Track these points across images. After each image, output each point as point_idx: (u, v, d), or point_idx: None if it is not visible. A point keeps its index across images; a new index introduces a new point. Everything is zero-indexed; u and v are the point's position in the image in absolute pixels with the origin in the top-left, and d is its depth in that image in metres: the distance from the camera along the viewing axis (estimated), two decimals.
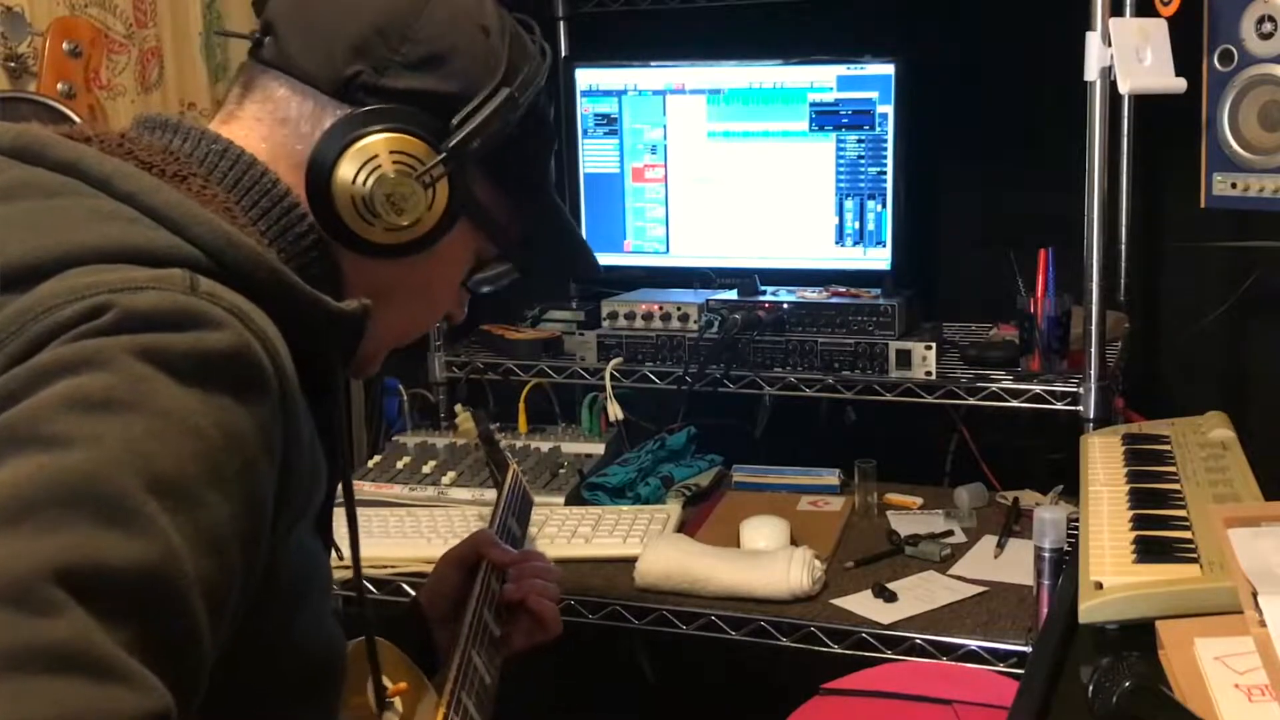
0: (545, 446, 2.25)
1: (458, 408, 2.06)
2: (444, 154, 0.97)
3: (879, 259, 2.23)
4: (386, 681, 1.11)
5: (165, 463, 0.71)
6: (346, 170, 0.95)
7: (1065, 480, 2.03)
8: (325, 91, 0.96)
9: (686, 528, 2.02)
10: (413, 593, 1.42)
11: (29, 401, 0.71)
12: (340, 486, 0.98)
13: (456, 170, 0.98)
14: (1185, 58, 1.80)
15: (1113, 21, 1.75)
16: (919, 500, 2.14)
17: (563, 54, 2.49)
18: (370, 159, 0.95)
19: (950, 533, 1.98)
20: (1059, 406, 1.91)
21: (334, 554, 1.02)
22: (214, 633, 0.73)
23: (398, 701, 1.12)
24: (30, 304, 0.76)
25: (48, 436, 0.69)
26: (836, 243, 2.25)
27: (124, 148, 0.90)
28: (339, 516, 0.99)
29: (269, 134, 0.97)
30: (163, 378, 0.74)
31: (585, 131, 2.36)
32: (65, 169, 0.85)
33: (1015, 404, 1.95)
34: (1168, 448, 1.50)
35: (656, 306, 2.19)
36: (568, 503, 2.08)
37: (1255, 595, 1.00)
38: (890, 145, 2.19)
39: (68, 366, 0.72)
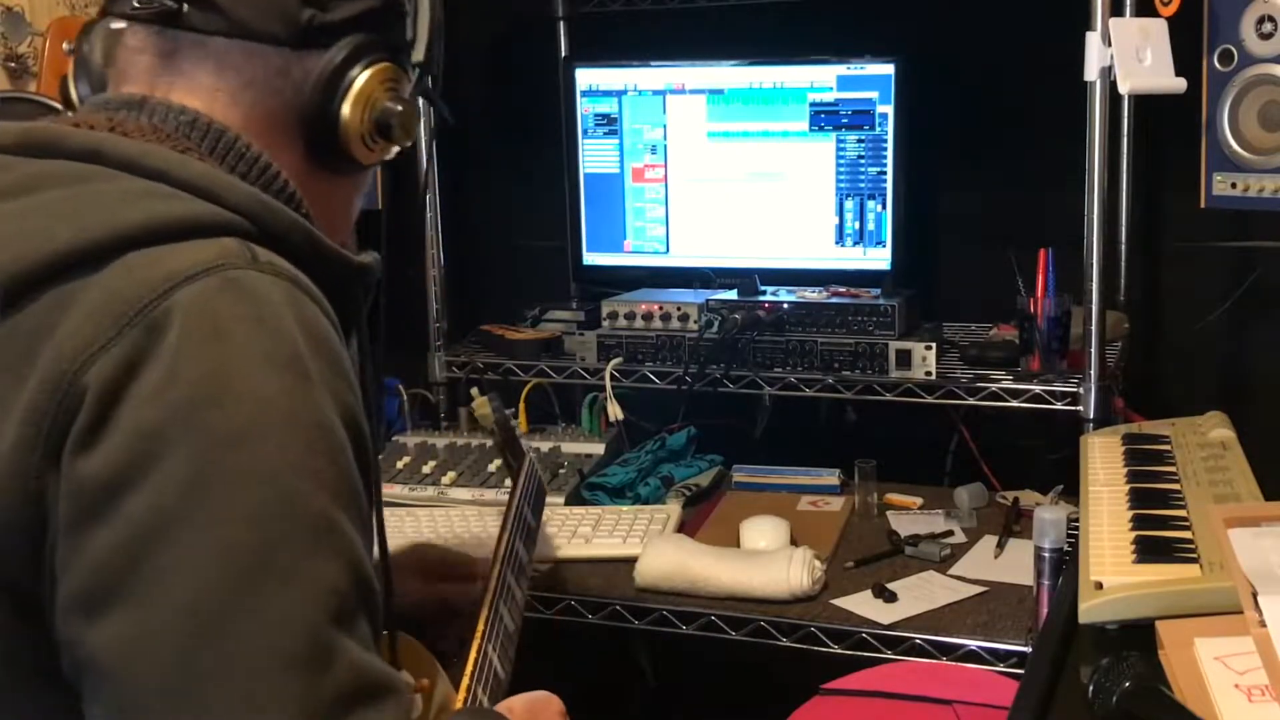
0: (545, 446, 2.25)
1: (474, 391, 2.02)
2: (417, 67, 1.03)
3: (879, 259, 2.23)
4: (409, 678, 1.11)
5: (330, 471, 0.78)
6: (351, 113, 0.98)
7: (1065, 480, 2.03)
8: (288, 44, 0.97)
9: (686, 528, 2.02)
10: None
11: (192, 448, 0.75)
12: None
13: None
14: (1185, 58, 1.80)
15: (1113, 21, 1.75)
16: (919, 500, 2.14)
17: (563, 54, 2.49)
18: (368, 96, 0.99)
19: (950, 533, 1.98)
20: (1059, 406, 1.91)
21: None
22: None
23: (418, 699, 1.12)
24: (113, 302, 0.78)
25: (231, 479, 0.75)
26: (836, 243, 2.25)
27: (114, 130, 0.90)
28: None
29: (233, 100, 0.96)
30: (298, 384, 0.79)
31: (585, 131, 2.36)
32: (87, 156, 0.86)
33: (1015, 404, 1.95)
34: (1168, 448, 1.51)
35: (656, 306, 2.19)
36: (568, 503, 2.08)
37: (1255, 595, 1.01)
38: (890, 145, 2.19)
39: (208, 400, 0.76)
